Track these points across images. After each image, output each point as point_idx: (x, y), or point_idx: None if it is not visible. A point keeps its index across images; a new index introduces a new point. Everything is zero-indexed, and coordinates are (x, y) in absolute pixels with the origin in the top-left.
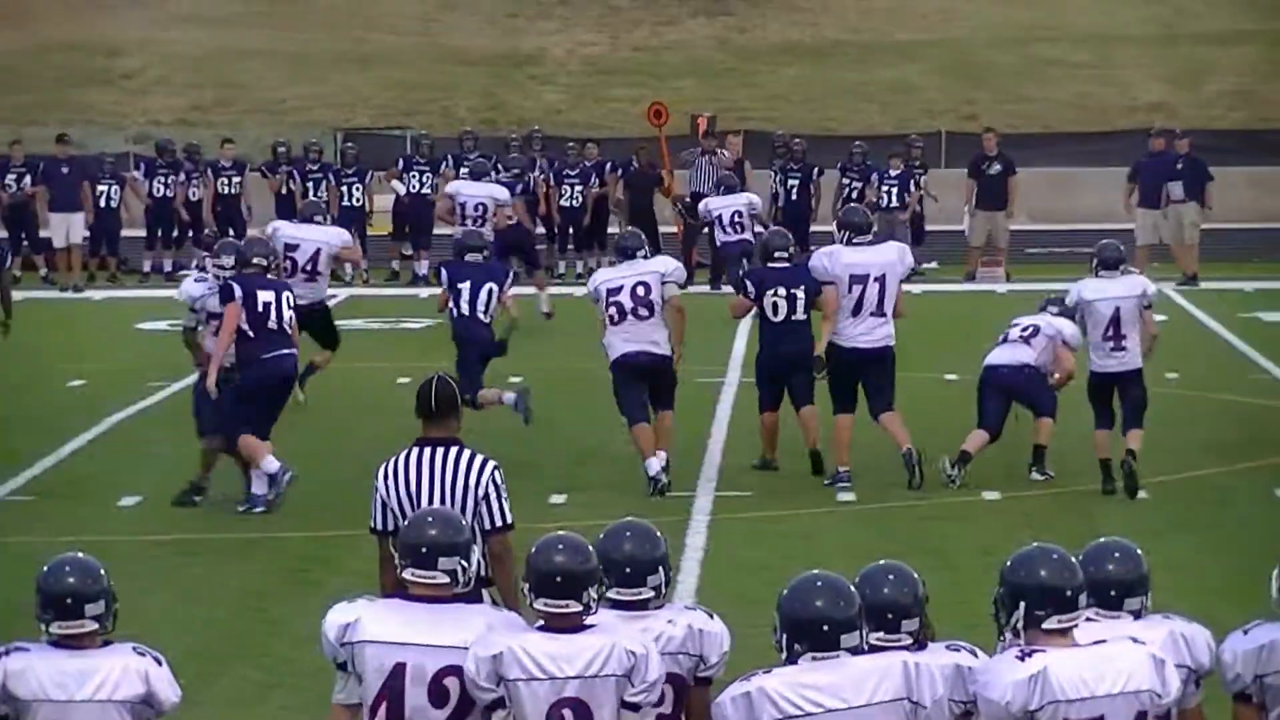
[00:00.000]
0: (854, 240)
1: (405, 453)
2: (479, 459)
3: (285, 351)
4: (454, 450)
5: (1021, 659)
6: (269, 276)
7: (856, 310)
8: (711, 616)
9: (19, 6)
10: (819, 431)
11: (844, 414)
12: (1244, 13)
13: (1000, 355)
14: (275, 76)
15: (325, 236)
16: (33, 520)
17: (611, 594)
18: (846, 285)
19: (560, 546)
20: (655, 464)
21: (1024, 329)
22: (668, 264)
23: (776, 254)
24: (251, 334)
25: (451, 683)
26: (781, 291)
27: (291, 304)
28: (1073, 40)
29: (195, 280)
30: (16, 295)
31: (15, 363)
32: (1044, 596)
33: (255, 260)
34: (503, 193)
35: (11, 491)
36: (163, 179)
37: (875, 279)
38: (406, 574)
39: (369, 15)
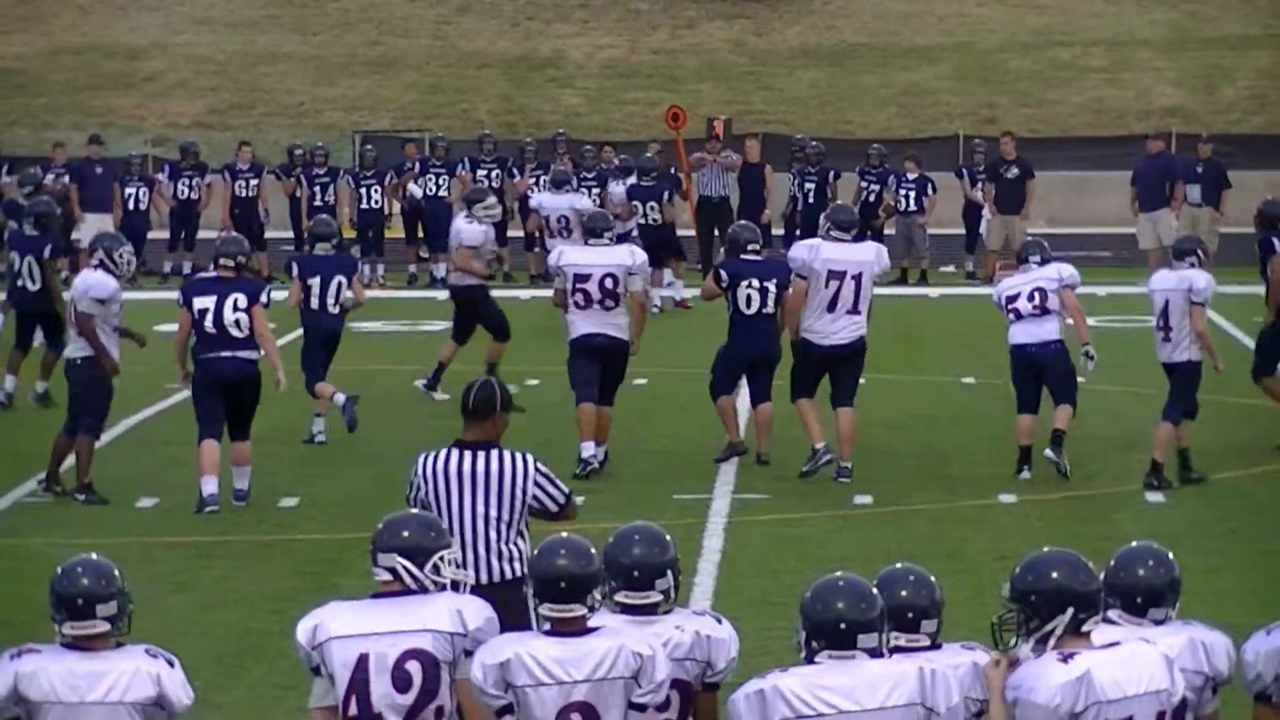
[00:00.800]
0: (835, 235)
1: (445, 454)
2: (517, 458)
3: (225, 355)
4: (494, 454)
5: (1064, 661)
6: (241, 276)
7: (832, 306)
8: (720, 622)
9: (32, 9)
10: (770, 434)
11: (804, 398)
12: (1258, 17)
13: (1024, 333)
14: (293, 80)
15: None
16: (51, 522)
17: (620, 598)
18: (824, 280)
19: (563, 550)
20: (590, 447)
21: (1030, 298)
22: (635, 256)
23: (748, 246)
24: (194, 337)
25: (413, 666)
26: (755, 284)
27: (242, 306)
28: (1087, 44)
29: (104, 273)
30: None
31: (34, 364)
32: (1088, 601)
33: (222, 260)
34: (584, 202)
35: (31, 492)
36: (186, 181)
37: (852, 276)
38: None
39: (386, 18)
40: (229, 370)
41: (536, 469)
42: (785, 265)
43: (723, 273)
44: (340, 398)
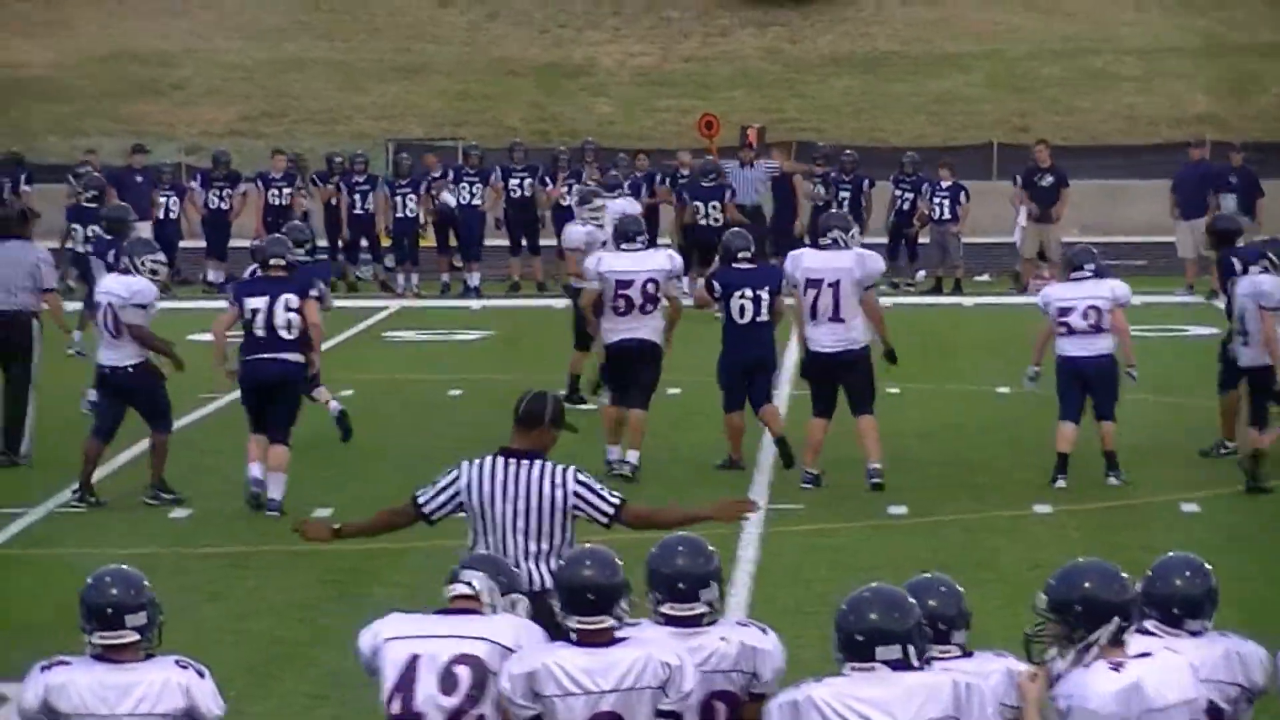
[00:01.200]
0: (818, 243)
1: (490, 461)
2: (559, 471)
3: (266, 356)
4: (538, 464)
5: (1115, 669)
6: (291, 276)
7: (814, 314)
8: (765, 633)
9: (60, 17)
10: (782, 423)
11: (819, 418)
12: None
13: (1076, 347)
14: (325, 87)
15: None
16: (85, 532)
17: (665, 609)
18: (803, 288)
19: (589, 562)
20: (615, 451)
21: (1084, 315)
22: (674, 260)
23: (740, 255)
24: (243, 337)
25: (462, 670)
26: (748, 293)
27: (293, 306)
28: (1118, 52)
29: (141, 279)
30: (71, 306)
31: (69, 373)
32: (1127, 611)
33: (272, 261)
34: (632, 205)
35: (65, 502)
36: (217, 191)
37: (829, 284)
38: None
39: (416, 25)
40: (270, 370)
41: (577, 480)
42: (777, 272)
43: (715, 283)
44: (335, 407)
